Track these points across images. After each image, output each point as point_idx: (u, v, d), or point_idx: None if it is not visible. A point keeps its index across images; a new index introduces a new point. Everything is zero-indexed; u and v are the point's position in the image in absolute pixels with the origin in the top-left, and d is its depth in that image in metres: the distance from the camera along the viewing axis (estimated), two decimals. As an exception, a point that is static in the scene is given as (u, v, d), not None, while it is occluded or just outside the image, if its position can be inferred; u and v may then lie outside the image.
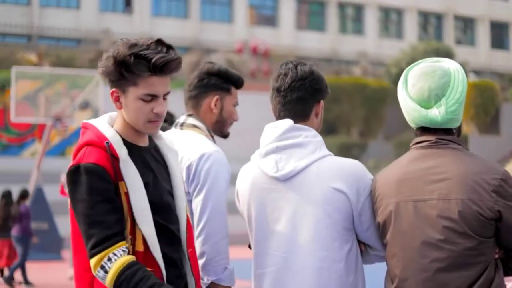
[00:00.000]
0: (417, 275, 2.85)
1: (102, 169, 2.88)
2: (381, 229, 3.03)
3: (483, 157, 2.94)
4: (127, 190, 2.91)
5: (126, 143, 3.00)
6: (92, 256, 2.85)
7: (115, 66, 2.93)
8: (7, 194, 16.27)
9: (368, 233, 3.15)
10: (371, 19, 54.55)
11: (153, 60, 2.90)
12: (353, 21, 55.03)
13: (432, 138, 2.95)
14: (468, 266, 2.81)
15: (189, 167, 3.71)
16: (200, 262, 3.62)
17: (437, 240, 2.83)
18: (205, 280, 3.67)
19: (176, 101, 23.62)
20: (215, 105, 3.97)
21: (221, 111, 4.00)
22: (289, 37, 51.02)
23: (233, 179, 3.42)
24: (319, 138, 3.24)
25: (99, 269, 2.84)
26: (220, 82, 4.00)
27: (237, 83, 4.09)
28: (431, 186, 2.88)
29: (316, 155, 3.17)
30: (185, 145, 3.77)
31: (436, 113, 2.91)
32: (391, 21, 56.26)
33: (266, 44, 45.88)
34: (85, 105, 21.92)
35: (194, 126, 3.93)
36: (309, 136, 3.21)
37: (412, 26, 55.66)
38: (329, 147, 3.30)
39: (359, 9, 54.88)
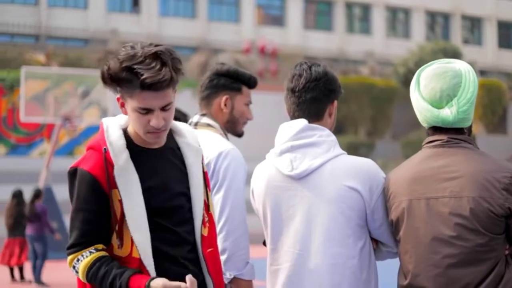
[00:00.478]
0: (429, 271, 2.93)
1: (93, 179, 2.96)
2: (394, 226, 3.10)
3: (493, 156, 3.02)
4: (120, 198, 2.97)
5: (134, 146, 3.04)
6: (68, 255, 3.04)
7: (109, 81, 2.95)
8: (18, 194, 16.41)
9: (380, 230, 3.23)
10: (379, 19, 54.52)
11: (142, 78, 2.87)
12: (360, 20, 55.01)
13: (444, 137, 3.03)
14: (479, 262, 2.88)
15: (207, 165, 3.79)
16: (222, 258, 3.72)
17: (449, 237, 2.91)
18: (227, 275, 3.77)
19: (184, 101, 23.67)
20: (225, 104, 4.07)
21: (232, 110, 4.09)
22: (296, 37, 51.01)
23: (247, 178, 3.50)
24: (333, 137, 3.33)
25: (72, 269, 3.03)
26: (229, 82, 4.09)
27: (249, 82, 4.16)
28: (443, 184, 2.95)
29: (330, 154, 3.24)
30: (202, 144, 3.85)
31: (448, 113, 2.99)
32: (398, 20, 56.22)
33: (273, 44, 45.86)
34: (86, 94, 21.89)
35: (208, 125, 4.02)
36: (323, 135, 3.28)
37: (420, 26, 55.61)
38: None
39: (366, 9, 54.85)
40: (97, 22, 46.52)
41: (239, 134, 4.16)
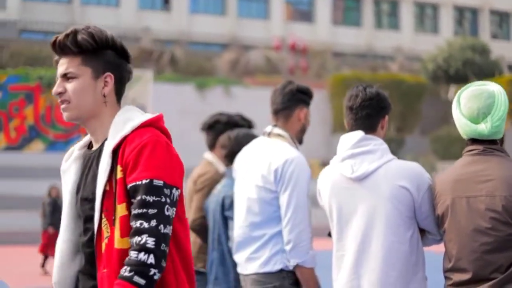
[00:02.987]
0: (469, 255, 3.60)
1: None
2: (440, 219, 3.78)
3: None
4: None
5: (87, 148, 3.13)
6: None
7: None
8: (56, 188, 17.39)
9: (427, 221, 3.92)
10: (407, 14, 54.57)
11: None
12: (388, 16, 55.09)
13: (480, 147, 3.70)
14: (510, 248, 3.55)
15: (276, 171, 4.53)
16: (287, 248, 4.47)
17: (485, 228, 3.58)
18: (291, 262, 4.46)
19: (215, 97, 24.36)
20: (304, 116, 4.76)
21: (305, 121, 4.79)
22: (325, 33, 51.19)
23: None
24: (385, 145, 4.06)
25: None
26: (306, 98, 4.80)
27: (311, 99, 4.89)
28: (480, 185, 3.62)
29: (383, 159, 3.97)
30: (272, 152, 4.61)
31: (483, 128, 3.67)
32: (426, 16, 56.31)
33: (303, 41, 46.15)
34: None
35: (279, 135, 4.71)
36: (377, 144, 4.03)
37: (448, 21, 55.67)
38: None
39: (394, 4, 54.92)
40: (129, 19, 46.91)
41: (302, 141, 4.86)
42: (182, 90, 34.92)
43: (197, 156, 17.45)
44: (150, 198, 2.79)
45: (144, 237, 2.75)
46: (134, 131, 2.90)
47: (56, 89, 2.98)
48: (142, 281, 2.73)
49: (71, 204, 3.05)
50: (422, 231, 4.03)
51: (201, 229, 5.57)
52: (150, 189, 2.80)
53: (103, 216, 2.88)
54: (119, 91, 3.06)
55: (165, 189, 2.82)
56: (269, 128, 4.80)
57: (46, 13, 45.72)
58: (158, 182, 2.81)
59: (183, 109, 33.28)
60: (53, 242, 16.78)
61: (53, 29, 44.79)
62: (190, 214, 5.68)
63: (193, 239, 5.72)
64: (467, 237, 3.62)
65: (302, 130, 4.81)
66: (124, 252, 2.80)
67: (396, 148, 34.68)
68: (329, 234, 4.18)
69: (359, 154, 3.99)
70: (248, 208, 4.69)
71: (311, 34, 49.94)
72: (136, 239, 2.76)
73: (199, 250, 5.66)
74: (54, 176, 25.67)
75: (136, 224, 2.78)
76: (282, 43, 45.76)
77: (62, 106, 2.98)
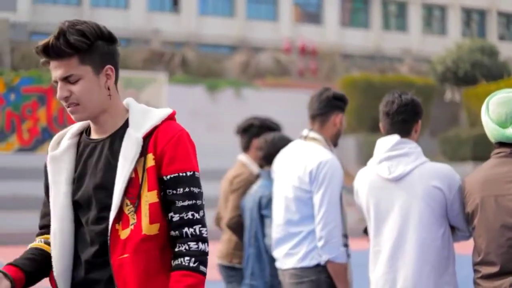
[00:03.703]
0: (497, 250, 3.89)
1: (44, 167, 3.09)
2: (470, 217, 4.08)
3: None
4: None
5: (86, 136, 3.06)
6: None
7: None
8: None
9: (457, 218, 4.24)
10: (415, 16, 54.69)
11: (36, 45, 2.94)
12: (396, 17, 55.15)
13: (508, 150, 4.01)
14: None
15: (311, 172, 4.85)
16: (319, 244, 4.78)
17: None
18: (323, 258, 4.78)
19: (226, 99, 24.65)
20: (339, 121, 5.06)
21: (341, 126, 5.10)
22: (333, 34, 51.27)
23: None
24: (419, 149, 4.38)
25: None
26: (341, 104, 5.10)
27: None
28: (508, 185, 3.92)
29: (417, 162, 4.31)
30: (308, 154, 4.92)
31: (511, 132, 3.96)
32: (434, 17, 56.41)
33: (312, 43, 46.25)
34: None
35: (314, 138, 5.02)
36: (412, 147, 4.36)
37: (456, 23, 55.77)
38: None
39: (402, 6, 54.99)
40: (138, 21, 47.04)
41: (337, 145, 5.16)
42: (193, 91, 35.15)
43: (207, 157, 17.71)
44: (195, 189, 2.92)
45: (198, 227, 2.89)
46: (164, 122, 2.95)
47: (61, 93, 2.92)
48: (205, 270, 2.89)
49: (67, 194, 2.99)
50: (452, 229, 4.34)
51: (238, 227, 5.88)
52: (194, 180, 2.92)
53: (128, 203, 2.88)
54: (116, 79, 3.04)
55: (199, 180, 2.97)
56: (305, 132, 5.11)
57: (56, 15, 45.78)
58: (197, 174, 2.95)
59: (194, 111, 33.50)
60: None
61: (62, 31, 44.97)
62: (227, 212, 6.01)
63: (229, 237, 6.06)
64: (495, 233, 3.91)
65: (337, 134, 5.12)
66: (151, 238, 2.86)
67: (405, 149, 34.65)
68: (365, 231, 4.50)
69: (396, 157, 4.31)
70: (286, 207, 5.00)
71: (319, 35, 49.98)
72: (190, 230, 2.88)
73: (235, 247, 5.99)
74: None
75: (188, 215, 2.88)
76: (291, 45, 45.87)
77: (70, 109, 2.94)
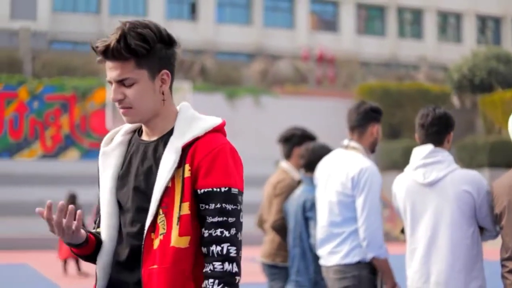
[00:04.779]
0: None
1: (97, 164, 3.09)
2: (498, 217, 4.60)
3: None
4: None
5: (138, 137, 3.02)
6: None
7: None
8: (73, 196, 17.83)
9: (485, 220, 4.77)
10: (430, 24, 54.88)
11: (95, 45, 2.92)
12: (412, 25, 55.31)
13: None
14: None
15: (352, 178, 5.41)
16: (363, 244, 5.35)
17: None
18: (368, 255, 5.35)
19: (245, 107, 25.14)
20: (376, 131, 5.59)
21: (377, 135, 5.64)
22: (349, 42, 51.64)
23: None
24: (451, 157, 4.92)
25: None
26: (377, 115, 5.64)
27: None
28: None
29: (449, 168, 4.84)
30: (349, 162, 5.48)
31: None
32: (449, 25, 56.56)
33: (330, 51, 46.46)
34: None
35: (354, 148, 5.56)
36: (444, 156, 4.89)
37: (471, 30, 55.95)
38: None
39: (417, 14, 55.16)
40: (156, 29, 47.38)
41: (374, 151, 5.69)
42: (213, 99, 35.71)
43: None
44: (229, 207, 2.81)
45: (226, 246, 2.78)
46: (207, 134, 2.88)
47: (115, 96, 2.90)
48: None
49: (112, 190, 2.98)
50: (481, 229, 4.87)
51: (281, 228, 6.42)
52: (229, 197, 2.81)
53: (160, 212, 2.82)
54: (171, 83, 2.99)
55: (239, 197, 2.85)
56: (346, 142, 5.66)
57: (75, 23, 46.25)
58: (234, 190, 2.83)
59: (213, 118, 33.96)
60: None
61: (82, 39, 45.39)
62: (271, 215, 6.57)
63: (272, 237, 6.61)
64: (522, 232, 4.45)
65: (374, 143, 5.66)
66: (179, 251, 2.78)
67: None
68: (402, 231, 5.03)
69: (430, 164, 4.84)
70: (329, 210, 5.55)
71: (336, 43, 50.30)
72: (217, 248, 2.78)
73: (278, 247, 6.54)
74: (88, 183, 26.61)
75: (216, 232, 2.79)
76: (309, 53, 46.14)
77: (123, 111, 2.91)
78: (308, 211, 6.06)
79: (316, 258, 5.92)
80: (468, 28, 56.10)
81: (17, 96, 34.08)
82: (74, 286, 15.58)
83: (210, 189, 2.80)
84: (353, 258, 5.41)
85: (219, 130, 2.93)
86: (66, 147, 34.34)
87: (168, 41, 2.93)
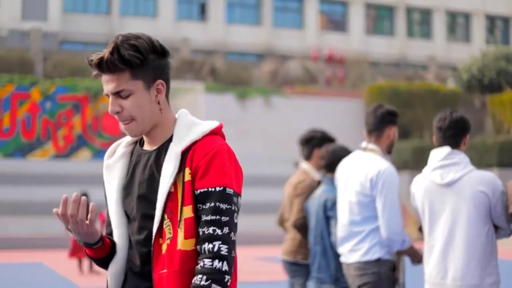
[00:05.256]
0: None
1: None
2: (512, 216, 4.85)
3: None
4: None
5: (139, 147, 3.07)
6: None
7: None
8: (84, 195, 18.18)
9: (500, 219, 5.03)
10: (439, 23, 54.98)
11: (89, 58, 2.94)
12: (420, 25, 55.38)
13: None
14: None
15: (371, 179, 5.66)
16: (387, 242, 5.60)
17: None
18: (394, 249, 5.65)
19: (255, 107, 25.39)
20: (392, 134, 5.84)
21: (394, 137, 5.89)
22: (358, 42, 51.83)
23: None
24: (467, 159, 5.16)
25: None
26: (394, 118, 5.89)
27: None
28: None
29: (466, 170, 5.09)
30: (368, 163, 5.73)
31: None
32: (458, 25, 56.60)
33: (339, 51, 46.52)
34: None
35: (372, 150, 5.80)
36: (461, 158, 5.14)
37: (479, 30, 55.98)
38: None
39: (426, 14, 55.23)
40: (166, 29, 47.28)
41: (391, 152, 5.93)
42: (223, 99, 35.89)
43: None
44: (223, 206, 2.84)
45: (217, 244, 2.80)
46: (204, 137, 2.93)
47: (112, 108, 2.92)
48: None
49: (118, 201, 3.04)
50: (495, 227, 5.11)
51: (302, 227, 6.68)
52: (224, 196, 2.85)
53: (165, 217, 2.88)
54: (167, 92, 3.01)
55: (234, 198, 2.88)
56: (364, 144, 5.91)
57: (85, 24, 46.40)
58: (229, 190, 2.86)
59: (224, 118, 34.21)
60: (79, 245, 17.76)
61: (92, 40, 45.57)
62: (292, 215, 6.83)
63: (293, 235, 6.87)
64: (536, 229, 4.71)
65: (391, 145, 5.91)
66: (186, 254, 2.83)
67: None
68: (420, 229, 5.29)
69: (447, 165, 5.09)
70: (349, 209, 5.80)
71: (345, 43, 50.47)
72: (209, 246, 2.81)
73: (299, 244, 6.80)
74: (100, 183, 26.47)
75: (208, 230, 2.82)
76: (319, 53, 46.25)
77: (125, 126, 2.93)
78: (329, 211, 6.32)
79: (336, 255, 6.18)
80: (477, 28, 56.14)
81: (30, 96, 34.28)
82: (90, 284, 15.83)
83: (206, 189, 2.85)
84: (373, 256, 5.66)
85: (216, 132, 2.98)
86: (78, 147, 34.55)
87: (161, 52, 2.96)
